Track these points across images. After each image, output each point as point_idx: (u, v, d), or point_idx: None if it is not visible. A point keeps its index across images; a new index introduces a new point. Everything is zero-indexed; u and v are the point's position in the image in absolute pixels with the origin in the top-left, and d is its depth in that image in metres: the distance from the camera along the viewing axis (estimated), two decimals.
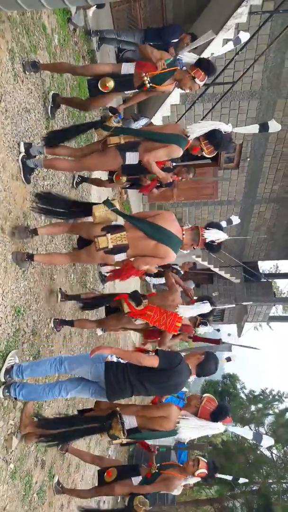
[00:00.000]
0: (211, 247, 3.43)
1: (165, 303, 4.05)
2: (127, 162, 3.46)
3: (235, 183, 11.13)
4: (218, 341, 4.24)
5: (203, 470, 3.57)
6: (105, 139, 3.48)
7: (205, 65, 3.54)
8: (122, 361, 3.04)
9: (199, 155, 3.63)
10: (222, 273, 13.39)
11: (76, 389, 3.16)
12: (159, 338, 4.26)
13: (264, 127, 3.64)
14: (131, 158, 3.44)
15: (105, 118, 3.50)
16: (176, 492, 8.26)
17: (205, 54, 7.47)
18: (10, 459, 3.12)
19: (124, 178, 3.96)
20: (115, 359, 3.06)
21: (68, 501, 4.61)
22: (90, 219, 3.43)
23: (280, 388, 18.51)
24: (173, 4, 8.51)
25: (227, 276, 13.57)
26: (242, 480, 3.94)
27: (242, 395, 14.17)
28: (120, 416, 3.02)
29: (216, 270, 13.15)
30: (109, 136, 3.47)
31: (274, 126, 3.62)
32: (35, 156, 3.44)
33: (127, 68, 3.61)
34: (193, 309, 3.89)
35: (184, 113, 8.39)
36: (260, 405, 12.67)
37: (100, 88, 3.58)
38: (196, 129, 3.42)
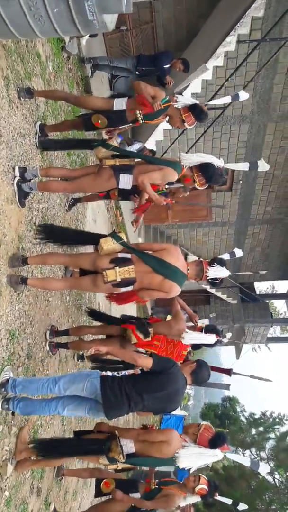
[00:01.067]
0: (213, 283, 3.50)
1: (170, 332, 4.01)
2: (120, 186, 3.50)
3: (229, 205, 11.26)
4: (229, 372, 4.18)
5: (203, 486, 3.48)
6: (101, 163, 3.53)
7: (197, 113, 3.65)
8: (117, 374, 3.04)
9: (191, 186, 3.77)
10: (218, 294, 13.38)
11: (73, 404, 3.09)
12: None
13: (253, 165, 3.79)
14: (125, 180, 3.47)
15: (104, 140, 3.62)
16: None
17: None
18: (5, 486, 3.05)
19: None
20: (110, 374, 3.06)
21: None
22: (88, 249, 3.50)
23: (281, 410, 18.25)
24: (164, 32, 8.79)
25: (224, 297, 13.56)
26: (242, 507, 3.82)
27: (242, 418, 13.95)
28: (119, 439, 3.02)
29: (213, 291, 13.15)
30: (105, 158, 3.52)
31: (263, 166, 3.77)
32: (30, 180, 3.48)
33: (119, 104, 3.65)
34: (198, 339, 3.83)
35: (176, 137, 8.55)
36: (260, 429, 12.45)
37: (92, 122, 3.65)
38: (188, 157, 3.56)
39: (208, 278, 3.43)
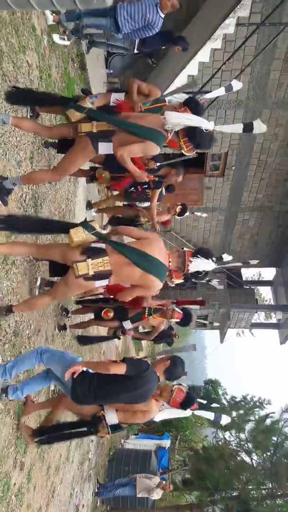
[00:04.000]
0: (196, 276, 3.31)
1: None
2: (99, 152, 3.21)
3: (220, 190, 11.27)
4: (203, 302, 4.20)
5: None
6: (75, 124, 3.18)
7: (193, 106, 3.40)
8: (90, 371, 3.08)
9: (178, 151, 3.42)
10: (205, 279, 13.48)
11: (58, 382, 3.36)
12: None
13: (249, 127, 3.49)
14: (104, 148, 3.18)
15: (78, 97, 3.24)
16: (156, 496, 8.27)
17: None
18: None
19: (107, 175, 3.84)
20: (84, 369, 3.08)
21: (46, 503, 4.57)
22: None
23: (261, 394, 18.65)
24: None
25: (211, 282, 13.67)
26: (224, 421, 4.02)
27: (224, 401, 14.23)
28: (104, 418, 3.24)
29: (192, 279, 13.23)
30: (80, 122, 3.16)
31: (259, 127, 3.47)
32: (13, 184, 3.27)
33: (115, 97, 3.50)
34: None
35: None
36: (241, 411, 12.72)
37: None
38: (174, 121, 3.16)
39: (189, 271, 3.23)
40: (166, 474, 10.68)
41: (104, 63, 7.98)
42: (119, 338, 4.79)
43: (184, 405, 3.33)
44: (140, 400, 3.15)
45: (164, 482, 8.60)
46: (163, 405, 3.40)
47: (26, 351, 3.58)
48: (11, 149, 3.47)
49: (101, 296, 5.14)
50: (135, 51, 6.36)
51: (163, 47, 6.84)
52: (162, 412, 3.35)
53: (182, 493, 12.72)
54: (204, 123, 3.16)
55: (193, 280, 3.50)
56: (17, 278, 3.58)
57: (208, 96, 3.84)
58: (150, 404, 3.30)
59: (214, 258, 3.27)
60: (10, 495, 3.51)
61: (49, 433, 3.60)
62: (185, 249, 3.31)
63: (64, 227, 3.08)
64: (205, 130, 3.16)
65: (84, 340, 5.01)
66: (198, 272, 3.26)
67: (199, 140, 3.21)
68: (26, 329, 3.88)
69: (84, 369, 3.04)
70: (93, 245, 2.92)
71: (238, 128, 3.49)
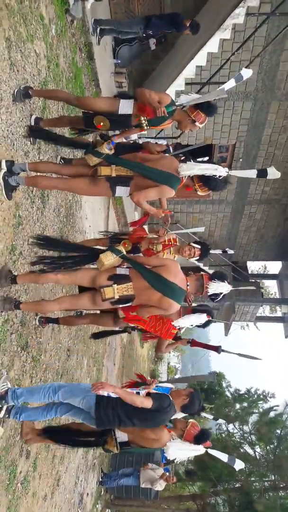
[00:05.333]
0: (214, 298, 3.45)
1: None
2: (116, 195, 3.45)
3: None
4: (217, 349, 4.24)
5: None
6: (95, 167, 3.31)
7: (206, 108, 3.46)
8: (112, 395, 3.12)
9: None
10: (211, 272, 13.46)
11: (70, 413, 3.41)
12: (157, 338, 4.28)
13: (262, 173, 3.53)
14: (121, 191, 3.37)
15: (97, 143, 3.34)
16: (160, 487, 8.35)
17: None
18: None
19: (107, 123, 3.49)
20: (106, 394, 3.13)
21: (51, 491, 4.62)
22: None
23: (265, 387, 18.70)
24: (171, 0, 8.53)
25: None
26: (238, 466, 4.02)
27: (228, 393, 14.28)
28: (114, 432, 3.40)
29: (206, 268, 13.20)
30: (99, 164, 3.29)
31: (273, 174, 3.52)
32: (18, 174, 3.28)
33: (126, 109, 3.45)
34: (189, 319, 3.82)
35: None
36: (245, 404, 12.75)
37: (94, 124, 3.43)
38: (189, 173, 3.32)
39: (208, 294, 3.39)
40: (169, 465, 10.76)
41: (112, 53, 7.92)
42: (129, 332, 4.83)
43: (198, 439, 3.38)
44: (157, 426, 3.34)
45: (167, 473, 8.67)
46: (173, 439, 3.43)
47: (36, 386, 3.57)
48: (19, 139, 3.46)
49: None
50: (144, 35, 6.37)
51: (168, 31, 6.79)
52: (174, 449, 3.37)
53: (185, 484, 12.82)
54: (218, 171, 3.29)
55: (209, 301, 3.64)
56: (24, 268, 3.59)
57: (217, 92, 3.75)
58: (161, 434, 3.44)
59: (228, 280, 3.46)
60: (16, 483, 3.56)
61: (57, 434, 3.65)
62: (202, 272, 3.47)
63: (94, 254, 3.26)
64: (219, 176, 3.32)
65: (97, 336, 5.04)
66: (215, 295, 3.41)
67: (213, 187, 3.45)
68: (32, 319, 3.91)
69: (105, 394, 3.11)
70: (118, 271, 3.17)
71: (251, 173, 3.56)
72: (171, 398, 3.27)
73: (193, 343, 4.52)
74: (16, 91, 3.33)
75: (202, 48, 7.59)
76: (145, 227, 4.66)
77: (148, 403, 3.05)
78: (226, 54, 7.82)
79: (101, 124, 3.41)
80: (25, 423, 3.61)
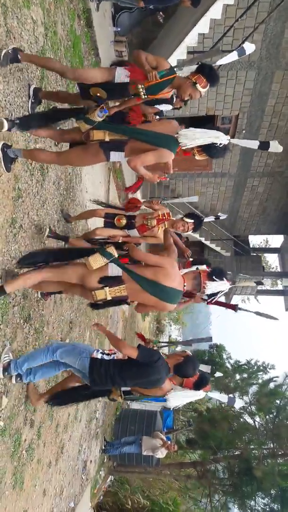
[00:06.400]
0: (212, 297, 3.35)
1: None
2: (111, 160, 3.28)
3: (230, 155, 11.04)
4: (234, 307, 4.14)
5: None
6: (88, 131, 3.14)
7: (207, 72, 3.23)
8: (105, 358, 3.23)
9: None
10: (213, 246, 13.46)
11: (70, 367, 3.48)
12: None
13: (264, 145, 3.35)
14: (116, 157, 3.20)
15: (88, 109, 3.13)
16: (161, 455, 8.59)
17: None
18: (0, 417, 3.20)
19: (103, 94, 3.31)
20: (99, 356, 3.25)
21: (56, 458, 4.76)
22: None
23: (265, 359, 18.98)
24: None
25: (218, 249, 13.65)
26: (238, 404, 4.17)
27: (228, 365, 14.51)
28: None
29: (207, 243, 13.22)
30: (92, 128, 3.12)
31: (275, 147, 3.32)
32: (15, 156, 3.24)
33: (122, 77, 3.25)
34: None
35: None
36: (244, 375, 12.97)
37: (91, 94, 3.24)
38: (189, 142, 3.12)
39: (206, 293, 3.27)
40: (170, 434, 11.06)
41: (111, 20, 7.68)
42: (128, 304, 4.85)
43: (197, 385, 3.40)
44: (152, 387, 3.33)
45: (169, 442, 8.92)
46: (175, 389, 3.42)
47: (36, 349, 3.64)
48: (16, 109, 3.39)
49: None
50: (144, 5, 6.12)
51: (169, 3, 6.55)
52: (175, 397, 3.39)
53: (186, 452, 13.19)
54: (220, 138, 3.10)
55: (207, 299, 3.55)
56: (25, 241, 3.59)
57: (220, 62, 3.57)
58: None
59: (227, 277, 3.29)
60: (21, 450, 3.66)
61: (62, 398, 3.69)
62: (199, 268, 3.31)
63: (82, 253, 3.15)
64: (220, 144, 3.12)
65: (96, 306, 5.02)
66: (213, 294, 3.29)
67: (213, 154, 3.23)
68: (35, 292, 3.93)
69: (99, 356, 3.23)
70: (110, 270, 3.01)
71: (253, 144, 3.35)
72: (160, 354, 3.23)
73: (209, 302, 4.50)
74: (3, 53, 3.07)
75: (205, 15, 7.38)
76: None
77: (133, 352, 3.02)
78: (229, 21, 7.59)
79: (98, 94, 3.25)
80: (30, 390, 3.72)
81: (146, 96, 3.28)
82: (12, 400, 3.44)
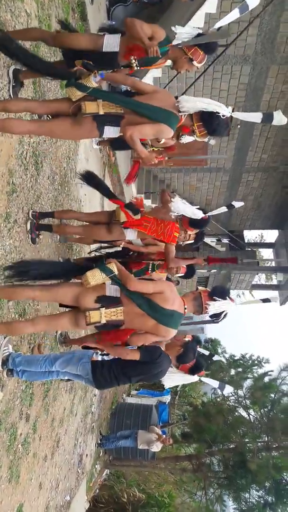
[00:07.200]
0: (216, 318, 3.16)
1: (158, 215, 4.02)
2: (104, 136, 2.89)
3: (225, 150, 11.04)
4: (235, 260, 4.13)
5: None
6: (78, 103, 2.76)
7: (204, 43, 3.07)
8: (106, 358, 3.27)
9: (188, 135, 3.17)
10: (208, 241, 13.47)
11: (71, 376, 3.45)
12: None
13: (268, 117, 3.11)
14: (110, 132, 2.85)
15: (81, 74, 2.77)
16: (156, 449, 8.64)
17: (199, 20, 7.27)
18: None
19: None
20: (99, 358, 3.31)
21: (51, 452, 4.79)
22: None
23: (260, 353, 19.08)
24: None
25: (213, 244, 13.67)
26: (227, 390, 4.24)
27: (223, 359, 14.57)
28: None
29: (203, 239, 13.20)
30: (83, 98, 2.75)
31: (279, 119, 3.10)
32: None
33: (111, 45, 2.98)
34: (186, 206, 3.77)
35: (175, 75, 8.19)
36: (239, 369, 13.02)
37: (76, 64, 2.89)
38: (190, 105, 2.89)
39: (209, 314, 3.07)
40: (166, 428, 11.11)
41: (106, 14, 7.63)
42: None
43: (192, 370, 3.44)
44: (155, 380, 3.42)
45: (164, 435, 8.97)
46: (171, 371, 3.46)
47: (33, 356, 3.61)
48: None
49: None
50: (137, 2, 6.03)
51: None
52: (171, 378, 3.45)
53: (181, 445, 13.26)
54: (222, 109, 2.93)
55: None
56: (20, 236, 3.59)
57: (219, 24, 3.30)
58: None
59: (230, 296, 3.09)
60: (17, 445, 3.68)
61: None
62: (199, 288, 3.14)
63: (80, 269, 2.92)
64: (222, 116, 2.93)
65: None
66: (216, 315, 3.07)
67: (215, 126, 2.99)
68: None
69: (99, 358, 3.29)
70: (108, 290, 2.79)
71: (256, 117, 3.14)
72: (162, 349, 3.23)
73: (210, 259, 4.50)
74: None
75: (200, 9, 7.33)
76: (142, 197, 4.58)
77: (135, 355, 3.03)
78: (224, 15, 7.54)
79: (86, 61, 2.86)
80: None
81: (138, 68, 3.06)
82: (7, 394, 3.45)
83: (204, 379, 3.60)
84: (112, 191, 4.16)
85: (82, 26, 5.98)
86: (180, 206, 3.83)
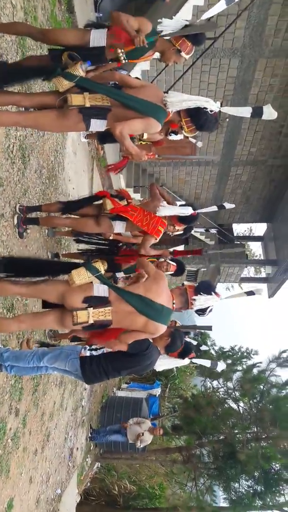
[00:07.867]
0: (201, 313, 3.18)
1: (147, 208, 4.04)
2: (91, 129, 2.86)
3: (214, 144, 11.05)
4: (200, 252, 4.19)
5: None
6: (64, 95, 2.73)
7: (192, 34, 3.01)
8: (94, 353, 3.27)
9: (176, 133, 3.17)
10: (197, 234, 13.51)
11: (60, 371, 3.47)
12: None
13: (258, 112, 3.11)
14: (97, 125, 2.81)
15: (67, 64, 2.76)
16: (146, 441, 8.69)
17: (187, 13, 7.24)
18: None
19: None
20: (88, 353, 3.30)
21: (42, 446, 4.79)
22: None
23: (249, 345, 19.24)
24: None
25: (202, 237, 13.72)
26: (220, 367, 4.27)
27: (212, 351, 14.67)
28: None
29: (191, 231, 13.23)
30: (69, 91, 2.73)
31: (269, 113, 3.10)
32: None
33: (98, 40, 2.94)
34: (174, 209, 3.83)
35: (164, 68, 8.15)
36: (229, 361, 13.13)
37: (63, 60, 2.83)
38: (177, 103, 2.86)
39: (194, 310, 3.09)
40: (156, 420, 11.18)
41: (93, 6, 7.55)
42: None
43: (182, 354, 3.50)
44: (145, 372, 3.44)
45: (153, 426, 9.04)
46: (161, 357, 3.49)
47: (21, 351, 3.62)
48: None
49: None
50: None
51: None
52: (162, 362, 3.48)
53: (172, 437, 13.37)
54: (210, 104, 2.91)
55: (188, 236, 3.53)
56: (7, 231, 3.56)
57: (207, 15, 3.24)
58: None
59: (216, 291, 3.09)
60: (7, 439, 3.68)
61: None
62: (185, 283, 3.14)
63: (65, 268, 2.91)
64: (210, 111, 2.92)
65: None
66: (202, 310, 3.10)
67: (203, 122, 2.97)
68: None
69: (88, 354, 3.29)
70: (95, 290, 2.72)
71: (246, 111, 3.13)
72: (150, 341, 3.23)
73: (176, 252, 4.60)
74: None
75: (188, 1, 7.31)
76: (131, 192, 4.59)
77: (123, 347, 2.96)
78: (212, 8, 7.53)
79: (71, 53, 2.83)
80: None
81: (126, 61, 3.03)
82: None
83: (196, 360, 3.68)
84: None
85: (69, 18, 5.93)
86: (167, 211, 3.91)
